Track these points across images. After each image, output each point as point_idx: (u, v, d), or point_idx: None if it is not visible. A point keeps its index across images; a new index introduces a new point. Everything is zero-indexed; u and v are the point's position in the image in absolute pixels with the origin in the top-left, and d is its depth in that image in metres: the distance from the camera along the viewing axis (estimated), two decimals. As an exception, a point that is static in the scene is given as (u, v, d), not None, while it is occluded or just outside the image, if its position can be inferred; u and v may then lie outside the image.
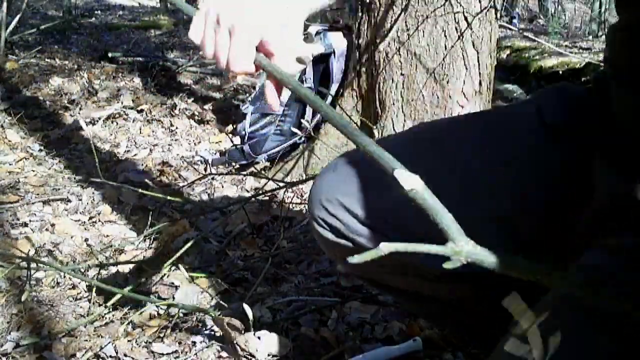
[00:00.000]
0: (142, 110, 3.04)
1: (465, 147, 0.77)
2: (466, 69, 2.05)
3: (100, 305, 1.40)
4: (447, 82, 2.05)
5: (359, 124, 2.22)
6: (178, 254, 1.49)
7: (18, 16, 3.95)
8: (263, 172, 2.30)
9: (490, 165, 0.74)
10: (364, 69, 2.19)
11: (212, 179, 2.23)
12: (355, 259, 0.40)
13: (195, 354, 1.23)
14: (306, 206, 1.99)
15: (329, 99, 2.32)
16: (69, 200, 2.02)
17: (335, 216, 0.82)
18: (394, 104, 2.09)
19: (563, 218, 0.69)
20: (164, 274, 1.53)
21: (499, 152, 0.75)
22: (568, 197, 0.69)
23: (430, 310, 0.95)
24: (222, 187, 2.21)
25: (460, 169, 0.76)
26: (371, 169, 0.78)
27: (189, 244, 1.52)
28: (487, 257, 0.44)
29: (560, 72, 4.41)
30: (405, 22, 2.03)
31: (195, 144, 2.73)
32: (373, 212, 0.79)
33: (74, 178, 2.17)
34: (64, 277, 1.50)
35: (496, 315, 0.71)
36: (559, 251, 0.69)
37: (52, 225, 1.81)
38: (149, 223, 1.72)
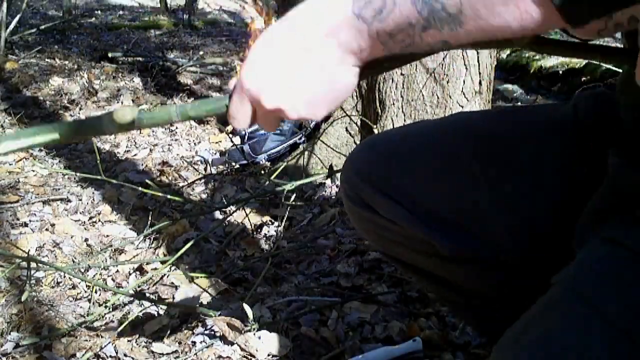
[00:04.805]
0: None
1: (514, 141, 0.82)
2: (466, 69, 2.05)
3: (100, 305, 1.40)
4: (447, 82, 2.05)
5: (359, 123, 2.22)
6: (178, 254, 1.49)
7: (18, 16, 3.96)
8: (263, 172, 2.30)
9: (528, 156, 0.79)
10: (364, 69, 2.19)
11: (212, 179, 2.23)
12: None
13: (195, 354, 1.23)
14: (306, 206, 1.99)
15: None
16: (69, 200, 2.02)
17: (362, 189, 0.88)
18: (394, 103, 2.09)
19: (579, 209, 0.71)
20: (164, 274, 1.53)
21: (538, 140, 0.80)
22: (585, 188, 0.71)
23: (447, 295, 0.96)
24: (222, 187, 2.21)
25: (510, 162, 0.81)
26: (399, 147, 0.86)
27: (189, 244, 1.52)
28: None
29: (560, 72, 4.41)
30: (405, 22, 2.03)
31: (195, 144, 2.73)
32: (395, 187, 0.85)
33: (74, 178, 2.17)
34: (64, 277, 1.50)
35: (508, 306, 0.72)
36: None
37: (52, 225, 1.81)
38: (149, 223, 1.72)
